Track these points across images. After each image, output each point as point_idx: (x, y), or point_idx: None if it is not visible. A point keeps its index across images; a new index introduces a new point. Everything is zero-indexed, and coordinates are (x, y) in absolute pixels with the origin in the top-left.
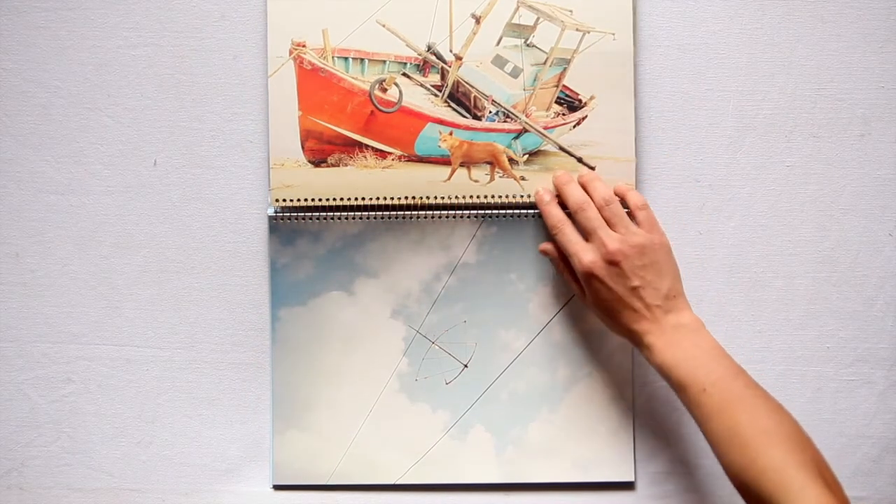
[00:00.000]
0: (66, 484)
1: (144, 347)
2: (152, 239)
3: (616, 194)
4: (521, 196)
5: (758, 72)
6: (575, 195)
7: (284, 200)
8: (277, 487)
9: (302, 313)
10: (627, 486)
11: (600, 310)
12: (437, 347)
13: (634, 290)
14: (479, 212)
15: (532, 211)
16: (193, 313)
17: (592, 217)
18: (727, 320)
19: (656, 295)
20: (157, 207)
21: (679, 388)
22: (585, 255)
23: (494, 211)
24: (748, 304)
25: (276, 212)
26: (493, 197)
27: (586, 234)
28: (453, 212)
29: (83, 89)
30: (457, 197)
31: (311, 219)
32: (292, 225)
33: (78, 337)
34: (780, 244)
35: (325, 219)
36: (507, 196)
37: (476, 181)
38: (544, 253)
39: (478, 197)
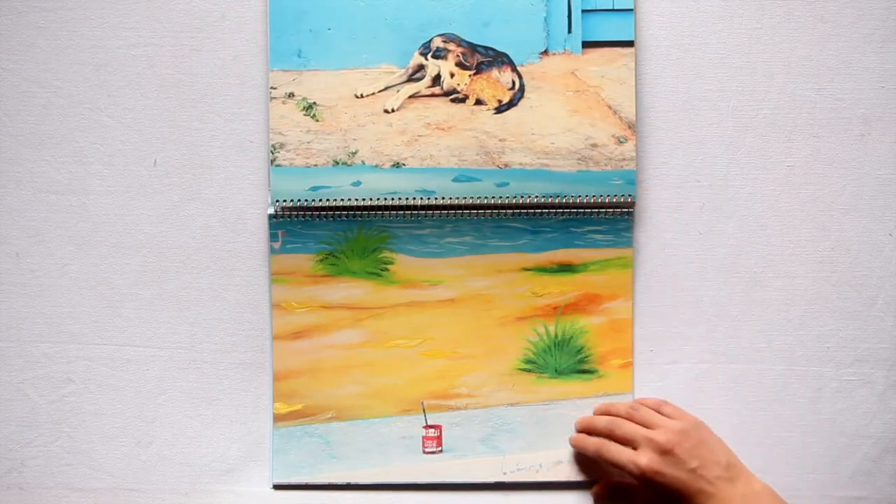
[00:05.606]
0: (66, 484)
1: (144, 347)
2: (152, 239)
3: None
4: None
5: (758, 72)
6: (601, 421)
7: (284, 200)
8: (277, 487)
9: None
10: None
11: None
12: None
13: (694, 471)
14: (479, 211)
15: (521, 210)
16: (193, 313)
17: (628, 428)
18: (727, 320)
19: (717, 467)
20: (157, 207)
21: None
22: (640, 458)
23: (491, 211)
24: (748, 304)
25: (276, 212)
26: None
27: (631, 444)
28: (453, 211)
29: (83, 89)
30: (457, 198)
31: (311, 218)
32: (292, 225)
33: (78, 337)
34: (780, 244)
35: (325, 218)
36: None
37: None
38: (580, 448)
39: (477, 198)
